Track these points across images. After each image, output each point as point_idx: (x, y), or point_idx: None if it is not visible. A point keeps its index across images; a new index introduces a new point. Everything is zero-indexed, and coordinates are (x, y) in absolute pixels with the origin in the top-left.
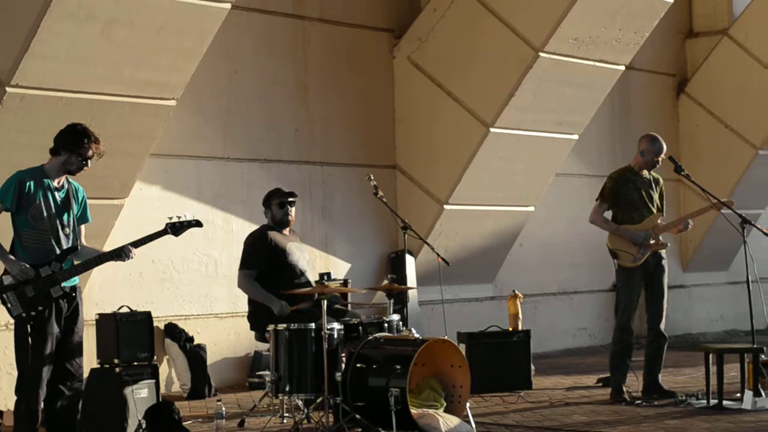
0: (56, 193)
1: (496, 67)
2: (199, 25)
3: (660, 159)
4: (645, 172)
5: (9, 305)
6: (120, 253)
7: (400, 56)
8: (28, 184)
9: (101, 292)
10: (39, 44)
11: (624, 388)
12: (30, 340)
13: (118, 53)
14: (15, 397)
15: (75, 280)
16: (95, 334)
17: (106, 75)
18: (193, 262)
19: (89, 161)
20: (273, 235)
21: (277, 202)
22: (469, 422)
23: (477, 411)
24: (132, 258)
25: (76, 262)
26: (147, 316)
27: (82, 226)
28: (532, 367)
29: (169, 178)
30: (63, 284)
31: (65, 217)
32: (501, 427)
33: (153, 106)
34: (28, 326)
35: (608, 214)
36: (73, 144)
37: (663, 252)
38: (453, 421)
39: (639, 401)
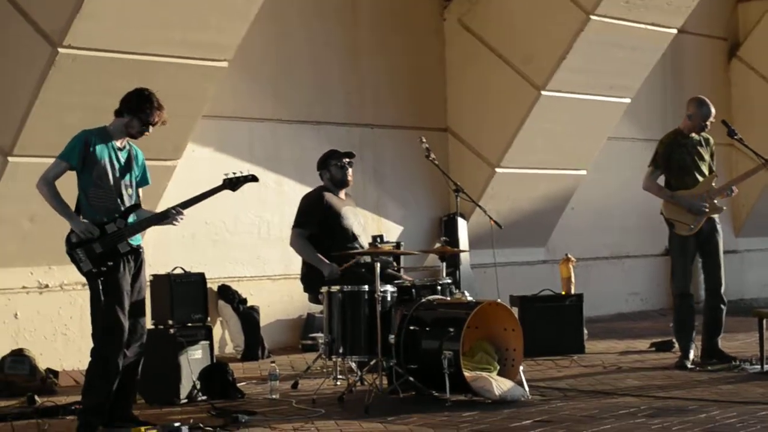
0: (119, 153)
1: (547, 29)
2: None
3: (708, 123)
4: (694, 134)
5: (79, 260)
6: (167, 216)
7: (450, 18)
8: (93, 143)
9: (154, 253)
10: (90, 5)
11: (691, 354)
12: (103, 296)
13: (169, 14)
14: (72, 357)
15: (139, 239)
16: (149, 295)
17: (156, 36)
18: (245, 224)
19: (151, 127)
20: (329, 197)
21: (335, 162)
22: (522, 385)
23: (530, 374)
24: (179, 221)
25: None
26: (201, 278)
27: (140, 189)
28: (585, 331)
29: (222, 140)
30: (129, 241)
31: (128, 177)
32: (554, 391)
33: (204, 67)
34: (100, 282)
35: (661, 180)
36: (137, 108)
37: (716, 216)
38: (506, 384)
39: (694, 366)
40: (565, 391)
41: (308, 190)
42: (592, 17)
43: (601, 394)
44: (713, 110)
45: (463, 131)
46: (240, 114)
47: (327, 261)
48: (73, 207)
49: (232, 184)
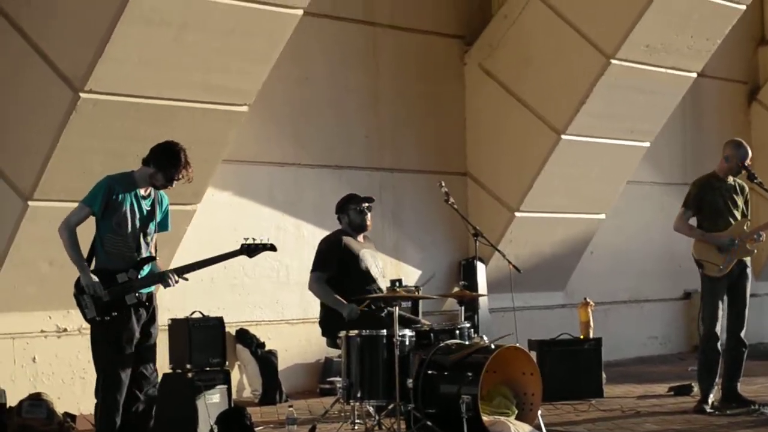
0: (143, 202)
1: (567, 73)
2: (271, 30)
3: (745, 164)
4: (730, 179)
5: (84, 307)
6: (163, 278)
7: (470, 63)
8: (116, 190)
9: (173, 297)
10: (112, 49)
11: (710, 398)
12: (107, 344)
13: (190, 58)
14: (89, 401)
15: (151, 288)
16: (167, 339)
17: (178, 80)
18: (264, 268)
19: (174, 183)
20: (348, 240)
21: (355, 207)
22: (540, 430)
23: (548, 419)
24: (173, 285)
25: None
26: (219, 322)
27: (155, 235)
28: (603, 375)
29: (241, 184)
30: (139, 291)
31: (151, 225)
32: None
33: (225, 112)
34: (104, 330)
35: (693, 222)
36: (165, 163)
37: (747, 260)
38: (524, 428)
39: (713, 410)
40: None
41: (327, 233)
42: (613, 61)
43: None
44: (750, 152)
45: (482, 175)
46: (260, 158)
47: (345, 302)
48: (87, 251)
49: (250, 250)
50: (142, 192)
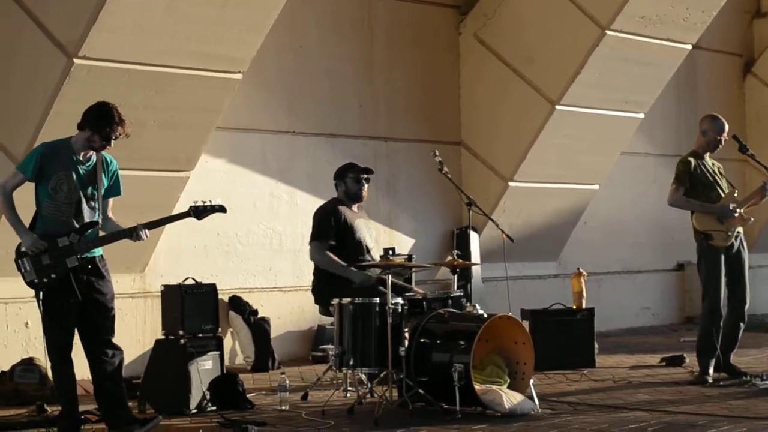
0: (80, 167)
1: (562, 44)
2: None
3: (723, 138)
4: (709, 161)
5: (23, 270)
6: (131, 234)
7: (465, 33)
8: (50, 155)
9: (166, 264)
10: (106, 16)
11: (710, 371)
12: (42, 308)
13: (184, 26)
14: (82, 367)
15: (97, 251)
16: (160, 306)
17: (171, 48)
18: (257, 236)
19: (112, 142)
20: (343, 210)
21: (353, 176)
22: (532, 399)
23: (540, 388)
24: (143, 239)
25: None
26: (212, 288)
27: (110, 199)
28: (596, 346)
29: (235, 152)
30: (83, 255)
31: (89, 190)
32: (564, 405)
33: (219, 79)
34: (41, 293)
35: None
36: (98, 124)
37: (742, 232)
38: (516, 397)
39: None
40: (575, 405)
41: (321, 202)
42: (608, 32)
43: (611, 408)
44: (727, 126)
45: (476, 145)
46: (254, 126)
47: (353, 269)
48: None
49: (198, 212)
50: (79, 157)
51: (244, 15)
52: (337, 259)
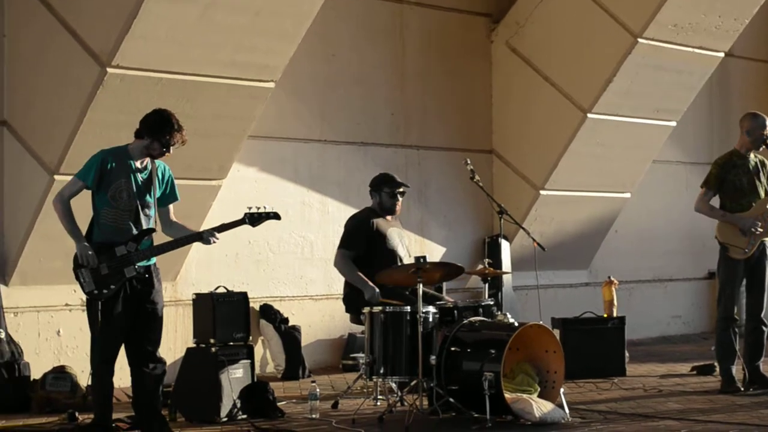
0: (138, 174)
1: (594, 52)
2: (298, 8)
3: (765, 134)
4: (751, 156)
5: (82, 281)
6: (201, 237)
7: (497, 41)
8: (110, 163)
9: (197, 272)
10: (140, 26)
11: (735, 378)
12: (101, 319)
13: (217, 35)
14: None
15: (152, 260)
16: (192, 314)
17: (204, 56)
18: (289, 244)
19: (171, 148)
20: (376, 220)
21: (388, 191)
22: (562, 408)
23: (571, 397)
24: (214, 243)
25: (168, 240)
26: (243, 297)
27: (171, 206)
28: (626, 354)
29: (267, 160)
30: (137, 264)
31: (147, 197)
32: (594, 414)
33: (251, 88)
34: (99, 303)
35: (715, 202)
36: (157, 131)
37: (766, 240)
38: (547, 406)
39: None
40: (605, 414)
41: (352, 210)
42: (640, 40)
43: (642, 417)
44: None
45: (508, 153)
46: (286, 134)
47: (370, 283)
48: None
49: (253, 219)
50: (137, 164)
51: (276, 24)
52: (355, 268)
